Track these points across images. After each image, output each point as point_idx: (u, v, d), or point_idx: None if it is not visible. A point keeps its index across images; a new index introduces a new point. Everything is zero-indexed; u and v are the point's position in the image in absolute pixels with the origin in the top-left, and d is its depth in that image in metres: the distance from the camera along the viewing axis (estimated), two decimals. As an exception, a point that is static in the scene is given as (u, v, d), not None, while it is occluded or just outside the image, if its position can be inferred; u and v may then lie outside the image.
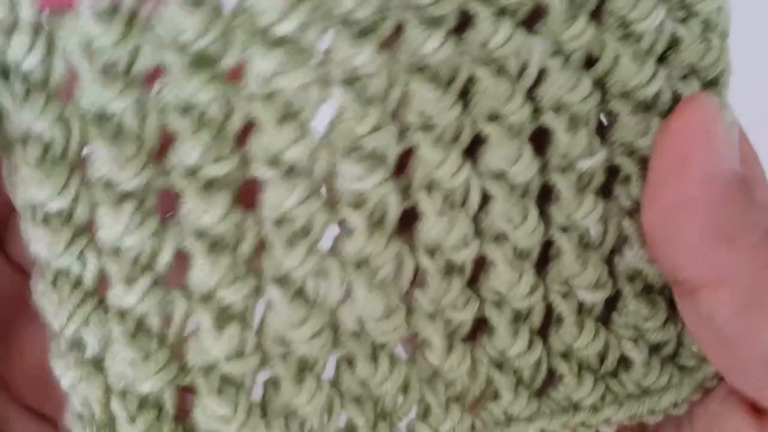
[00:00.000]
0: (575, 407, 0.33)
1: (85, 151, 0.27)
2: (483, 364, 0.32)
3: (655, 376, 0.33)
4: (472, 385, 0.32)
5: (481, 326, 0.32)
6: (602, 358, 0.33)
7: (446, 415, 0.32)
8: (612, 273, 0.33)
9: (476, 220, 0.31)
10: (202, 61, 0.27)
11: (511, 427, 0.32)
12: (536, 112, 0.31)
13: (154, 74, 0.27)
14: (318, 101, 0.28)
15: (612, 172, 0.32)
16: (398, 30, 0.28)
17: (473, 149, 0.31)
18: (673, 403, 0.34)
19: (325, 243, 0.30)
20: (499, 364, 0.32)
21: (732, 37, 0.33)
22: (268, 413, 0.30)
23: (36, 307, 0.28)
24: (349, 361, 0.31)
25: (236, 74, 0.28)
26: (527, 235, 0.31)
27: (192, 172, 0.28)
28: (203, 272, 0.28)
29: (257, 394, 0.30)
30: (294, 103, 0.28)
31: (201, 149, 0.27)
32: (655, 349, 0.34)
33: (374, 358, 0.31)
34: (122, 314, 0.28)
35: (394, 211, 0.30)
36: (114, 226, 0.27)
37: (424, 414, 0.32)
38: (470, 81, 0.30)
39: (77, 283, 0.28)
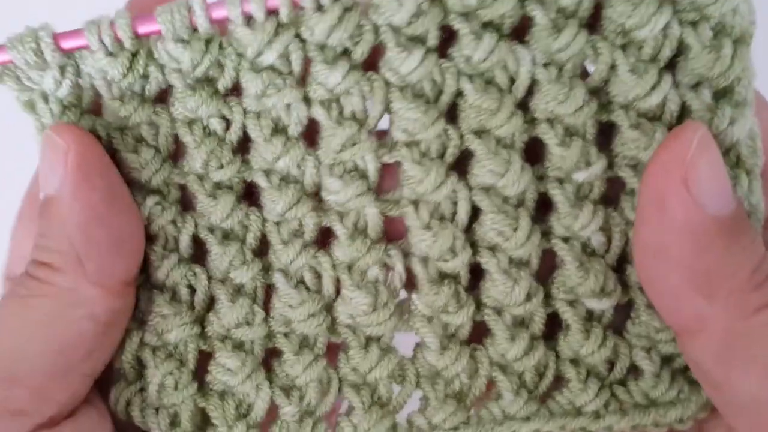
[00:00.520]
0: (577, 412, 0.33)
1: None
2: (484, 366, 0.33)
3: (664, 387, 0.33)
4: (472, 384, 0.33)
5: (486, 330, 0.34)
6: (612, 365, 0.34)
7: (441, 408, 0.33)
8: (624, 282, 0.33)
9: (471, 230, 0.32)
10: (202, 83, 0.31)
11: (504, 426, 0.33)
12: (533, 122, 0.31)
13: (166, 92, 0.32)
14: (304, 118, 0.32)
15: (620, 182, 0.32)
16: (379, 50, 0.31)
17: (464, 163, 0.32)
18: (679, 418, 0.33)
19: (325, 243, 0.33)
20: (503, 367, 0.33)
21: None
22: (272, 374, 0.34)
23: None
24: (345, 349, 0.34)
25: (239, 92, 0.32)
26: (518, 246, 0.32)
27: (200, 177, 0.32)
28: (217, 257, 0.33)
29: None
30: (282, 120, 0.32)
31: (204, 158, 0.32)
32: (667, 360, 0.33)
33: (366, 347, 0.33)
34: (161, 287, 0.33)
35: (375, 221, 0.32)
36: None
37: (424, 407, 0.34)
38: (459, 95, 0.31)
39: None
